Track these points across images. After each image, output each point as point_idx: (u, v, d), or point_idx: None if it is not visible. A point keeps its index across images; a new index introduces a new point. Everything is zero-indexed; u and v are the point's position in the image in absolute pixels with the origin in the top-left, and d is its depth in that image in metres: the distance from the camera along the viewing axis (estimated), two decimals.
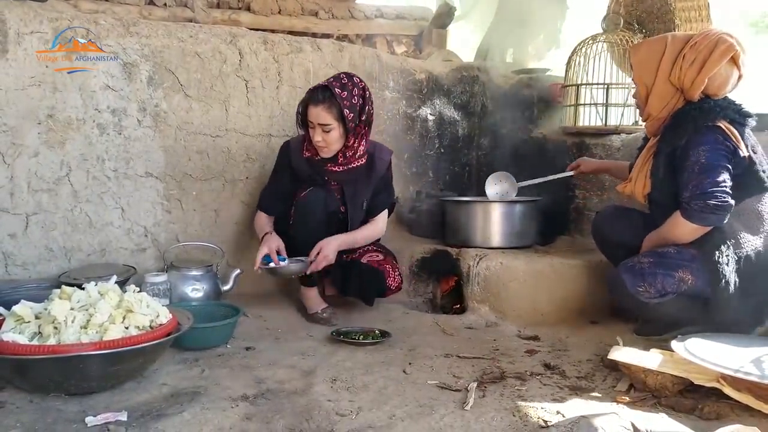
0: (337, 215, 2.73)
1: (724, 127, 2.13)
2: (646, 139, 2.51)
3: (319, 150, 2.66)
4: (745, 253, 2.12)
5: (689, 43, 2.20)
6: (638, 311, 2.33)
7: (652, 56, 2.28)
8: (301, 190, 2.68)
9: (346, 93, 2.58)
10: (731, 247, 2.12)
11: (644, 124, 2.45)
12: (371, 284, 2.71)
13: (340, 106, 2.56)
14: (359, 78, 2.69)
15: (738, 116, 2.17)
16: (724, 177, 2.09)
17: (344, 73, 2.69)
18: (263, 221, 2.77)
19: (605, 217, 2.64)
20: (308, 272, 2.57)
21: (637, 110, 2.55)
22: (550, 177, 3.03)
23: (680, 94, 2.26)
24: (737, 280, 2.11)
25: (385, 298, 2.82)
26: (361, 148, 2.71)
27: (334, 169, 2.72)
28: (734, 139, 2.12)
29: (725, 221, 2.10)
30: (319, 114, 2.57)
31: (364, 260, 2.76)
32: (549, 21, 4.67)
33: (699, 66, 2.17)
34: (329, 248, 2.57)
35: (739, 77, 2.23)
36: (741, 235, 2.14)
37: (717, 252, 2.11)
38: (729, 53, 2.15)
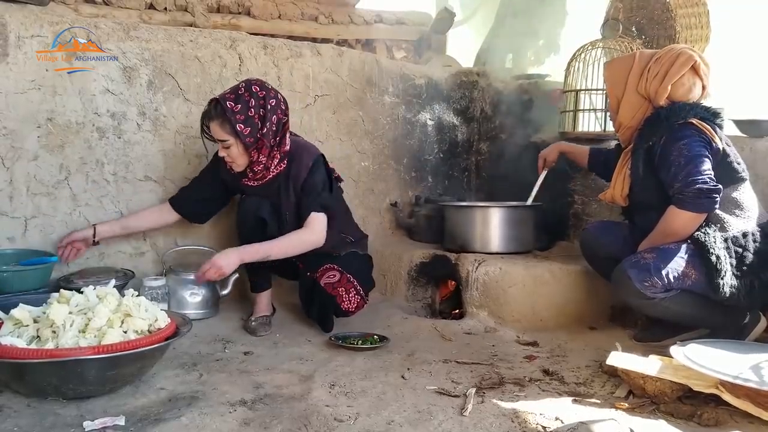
0: (274, 223, 2.58)
1: (696, 123, 2.24)
2: (618, 148, 2.64)
3: (229, 164, 2.55)
4: (731, 234, 2.20)
5: (654, 57, 2.39)
6: (641, 309, 2.34)
7: (621, 71, 2.45)
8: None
9: (240, 106, 2.41)
10: (717, 229, 2.20)
11: (617, 134, 2.57)
12: (327, 311, 2.58)
13: (231, 121, 2.40)
14: (261, 86, 2.49)
15: (707, 114, 2.29)
16: (708, 165, 2.19)
17: (245, 81, 2.51)
18: (146, 213, 2.71)
19: (592, 231, 2.68)
20: (198, 282, 2.41)
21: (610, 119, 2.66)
22: (536, 187, 3.00)
23: (648, 103, 2.40)
24: (729, 258, 2.15)
25: (352, 315, 2.64)
26: (274, 161, 2.54)
27: (248, 183, 2.60)
28: (708, 133, 2.22)
29: (717, 206, 2.18)
30: (215, 130, 2.44)
31: (321, 282, 2.57)
32: (548, 27, 4.68)
33: (662, 75, 2.33)
34: (222, 260, 2.35)
35: (703, 88, 2.37)
36: (724, 220, 2.23)
37: (702, 233, 2.18)
38: (689, 63, 2.31)
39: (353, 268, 2.65)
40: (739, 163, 2.28)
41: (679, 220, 2.21)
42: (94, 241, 2.60)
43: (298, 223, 2.56)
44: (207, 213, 2.81)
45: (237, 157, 2.50)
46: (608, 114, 2.67)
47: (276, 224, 2.59)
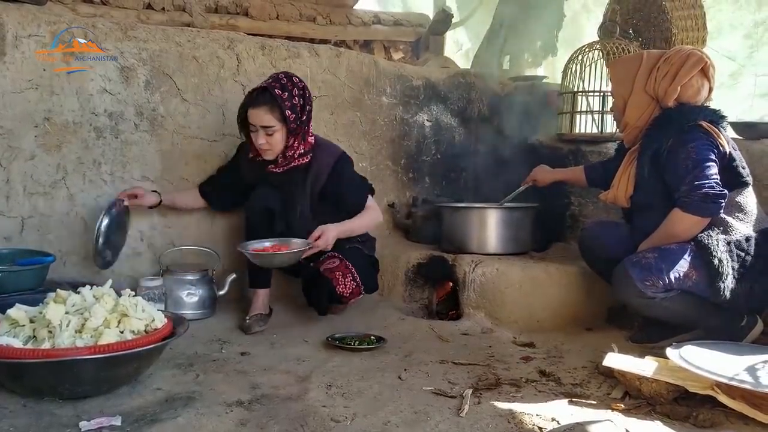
0: (283, 215, 2.70)
1: (705, 126, 2.24)
2: (619, 149, 2.64)
3: (263, 153, 2.62)
4: (734, 238, 2.20)
5: (663, 58, 2.37)
6: (641, 309, 2.34)
7: (628, 71, 2.43)
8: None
9: (286, 94, 2.54)
10: (720, 232, 2.20)
11: (622, 134, 2.55)
12: (321, 294, 2.64)
13: (281, 107, 2.52)
14: (298, 78, 2.64)
15: (715, 116, 2.29)
16: (715, 170, 2.20)
17: (283, 72, 2.64)
18: (189, 194, 2.87)
19: (591, 231, 2.67)
20: (304, 256, 2.53)
21: (614, 119, 2.67)
22: (511, 195, 3.03)
23: (656, 103, 2.38)
24: (731, 262, 2.16)
25: (344, 303, 2.74)
26: (302, 147, 2.67)
27: (274, 170, 2.69)
28: (716, 136, 2.22)
29: (721, 211, 2.18)
30: (262, 117, 2.53)
31: (321, 268, 2.68)
32: (546, 28, 4.69)
33: (672, 76, 2.32)
34: (329, 234, 2.54)
35: (710, 89, 2.36)
36: (728, 224, 2.23)
37: (705, 235, 2.19)
38: (699, 64, 2.30)
39: (354, 260, 2.72)
40: (744, 168, 2.28)
41: (683, 223, 2.21)
42: (159, 202, 2.76)
43: (313, 215, 2.70)
44: (231, 203, 2.91)
45: (276, 144, 2.59)
46: (612, 114, 2.63)
47: (284, 216, 2.69)
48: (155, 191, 2.76)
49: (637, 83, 2.38)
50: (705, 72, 2.32)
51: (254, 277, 2.70)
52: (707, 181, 2.15)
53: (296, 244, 2.55)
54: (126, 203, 2.66)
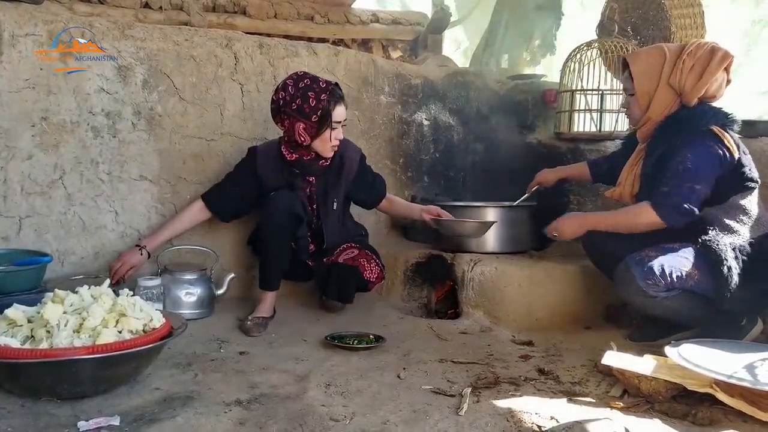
0: (310, 216, 2.73)
1: (716, 131, 2.22)
2: (627, 142, 2.64)
3: (333, 149, 2.69)
4: (739, 243, 2.20)
5: (685, 50, 2.31)
6: (641, 307, 2.33)
7: (654, 64, 2.36)
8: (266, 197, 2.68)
9: None
10: (725, 236, 2.21)
11: (640, 128, 2.48)
12: (349, 282, 2.71)
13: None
14: None
15: (727, 121, 2.28)
16: (701, 186, 2.21)
17: (298, 72, 2.67)
18: (186, 216, 2.75)
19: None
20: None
21: (628, 116, 2.59)
22: (518, 201, 3.02)
23: (678, 98, 2.34)
24: (737, 268, 2.15)
25: (367, 293, 2.87)
26: None
27: (324, 164, 2.75)
28: (726, 142, 2.21)
29: (683, 225, 2.22)
30: (345, 111, 2.65)
31: (340, 260, 2.78)
32: (544, 27, 4.69)
33: (699, 72, 2.27)
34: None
35: (728, 82, 2.35)
36: (732, 228, 2.23)
37: (713, 240, 2.19)
38: (726, 60, 2.27)
39: (370, 248, 2.90)
40: (751, 170, 2.27)
41: (646, 218, 2.25)
42: (148, 255, 2.68)
43: (343, 210, 2.88)
44: (241, 212, 2.86)
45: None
46: (627, 110, 2.53)
47: (312, 215, 2.77)
48: (138, 245, 2.65)
49: (663, 78, 2.33)
50: (727, 67, 2.30)
51: (266, 277, 2.67)
52: (687, 194, 2.18)
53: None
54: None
